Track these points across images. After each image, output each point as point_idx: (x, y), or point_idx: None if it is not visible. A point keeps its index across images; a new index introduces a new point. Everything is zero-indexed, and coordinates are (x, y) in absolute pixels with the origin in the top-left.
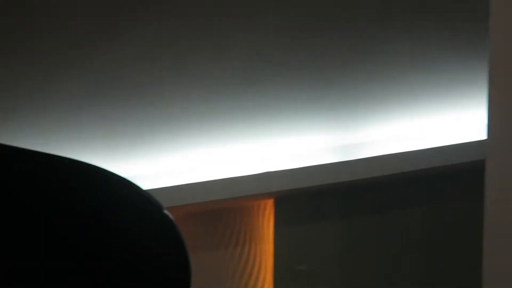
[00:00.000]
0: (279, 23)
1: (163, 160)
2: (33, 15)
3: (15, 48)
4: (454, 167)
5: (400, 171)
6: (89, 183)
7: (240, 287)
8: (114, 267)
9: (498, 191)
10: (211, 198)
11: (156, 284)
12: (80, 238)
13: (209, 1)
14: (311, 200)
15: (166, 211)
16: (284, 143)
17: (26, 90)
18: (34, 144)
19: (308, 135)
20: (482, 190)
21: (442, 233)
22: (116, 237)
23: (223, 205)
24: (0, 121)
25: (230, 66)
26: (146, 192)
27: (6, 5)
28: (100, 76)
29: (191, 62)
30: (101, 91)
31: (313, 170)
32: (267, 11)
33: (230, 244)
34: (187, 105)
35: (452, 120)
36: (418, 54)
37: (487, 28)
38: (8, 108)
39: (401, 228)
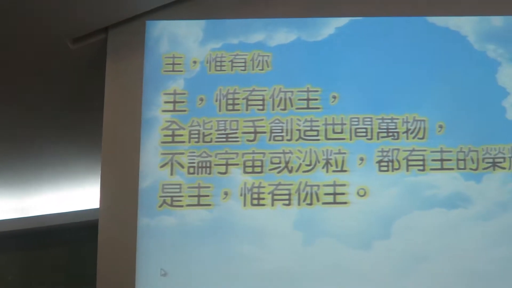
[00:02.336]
0: None
1: None
2: None
3: None
4: (83, 223)
5: (45, 225)
6: None
7: None
8: None
9: (107, 245)
10: None
11: None
12: None
13: None
14: None
15: None
16: None
17: None
18: None
19: None
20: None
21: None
22: None
23: None
24: None
25: None
26: None
27: None
28: None
29: None
30: None
31: None
32: None
33: None
34: None
35: (76, 194)
36: (55, 155)
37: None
38: None
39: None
